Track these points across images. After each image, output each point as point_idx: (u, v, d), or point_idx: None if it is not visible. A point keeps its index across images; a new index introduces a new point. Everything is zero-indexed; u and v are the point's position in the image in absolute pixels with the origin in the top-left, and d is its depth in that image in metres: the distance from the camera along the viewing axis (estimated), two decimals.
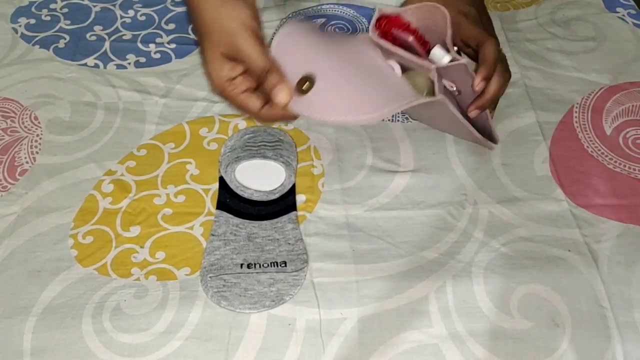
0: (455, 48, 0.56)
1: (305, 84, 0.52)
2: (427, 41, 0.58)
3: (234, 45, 0.49)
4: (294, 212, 0.58)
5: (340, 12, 0.81)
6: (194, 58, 0.74)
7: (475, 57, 0.58)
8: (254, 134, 0.64)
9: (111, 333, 0.50)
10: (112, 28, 0.77)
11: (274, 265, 0.54)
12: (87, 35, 0.76)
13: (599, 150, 0.65)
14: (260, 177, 0.61)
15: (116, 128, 0.66)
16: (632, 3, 0.83)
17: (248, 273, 0.54)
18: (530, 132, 0.66)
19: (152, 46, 0.75)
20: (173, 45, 0.75)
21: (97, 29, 0.77)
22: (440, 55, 0.55)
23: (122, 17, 0.79)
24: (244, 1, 0.50)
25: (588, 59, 0.75)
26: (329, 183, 0.61)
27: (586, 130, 0.67)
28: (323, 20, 0.79)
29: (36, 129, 0.65)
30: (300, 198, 0.60)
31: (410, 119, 0.67)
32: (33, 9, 0.79)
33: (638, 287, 0.54)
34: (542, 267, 0.55)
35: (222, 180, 0.60)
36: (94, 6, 0.80)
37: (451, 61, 0.55)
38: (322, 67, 0.53)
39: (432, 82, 0.56)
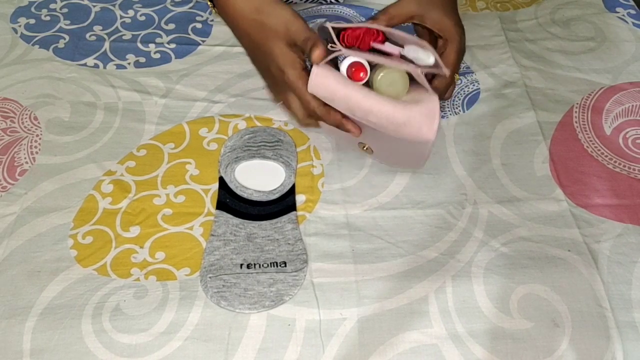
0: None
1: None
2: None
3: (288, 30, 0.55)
4: (293, 212, 0.58)
5: (340, 12, 0.81)
6: (193, 58, 0.74)
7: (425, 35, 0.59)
8: (254, 134, 0.64)
9: (111, 333, 0.50)
10: (112, 28, 0.77)
11: (274, 266, 0.54)
12: (87, 35, 0.76)
13: (599, 150, 0.65)
14: (260, 177, 0.61)
15: (116, 128, 0.66)
16: (632, 3, 0.83)
17: (248, 273, 0.54)
18: (530, 132, 0.66)
19: (151, 46, 0.75)
20: (173, 45, 0.75)
21: (97, 29, 0.77)
22: (425, 56, 0.52)
23: (121, 17, 0.79)
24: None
25: (588, 59, 0.75)
26: (329, 183, 0.61)
27: (586, 130, 0.67)
28: (323, 20, 0.79)
29: (36, 129, 0.65)
30: (300, 198, 0.60)
31: None
32: (33, 9, 0.79)
33: (638, 287, 0.54)
34: (541, 267, 0.55)
35: (222, 181, 0.60)
36: (94, 6, 0.80)
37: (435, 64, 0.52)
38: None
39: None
